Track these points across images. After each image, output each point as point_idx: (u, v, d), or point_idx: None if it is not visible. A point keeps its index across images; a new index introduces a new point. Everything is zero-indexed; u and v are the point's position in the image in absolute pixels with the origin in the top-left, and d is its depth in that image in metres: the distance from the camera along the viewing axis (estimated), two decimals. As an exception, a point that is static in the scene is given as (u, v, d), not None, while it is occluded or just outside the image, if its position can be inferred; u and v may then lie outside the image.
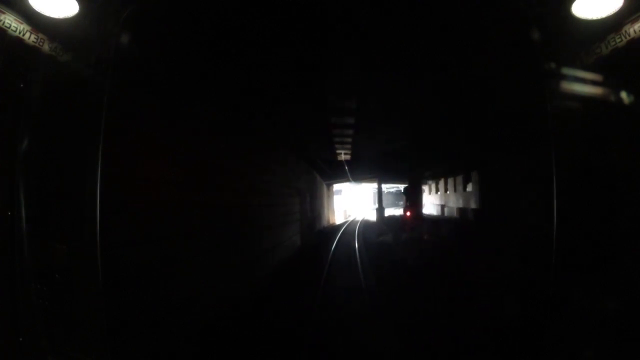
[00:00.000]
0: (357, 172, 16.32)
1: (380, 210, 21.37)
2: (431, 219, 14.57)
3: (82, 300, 2.63)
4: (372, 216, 22.79)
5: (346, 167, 13.77)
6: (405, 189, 13.66)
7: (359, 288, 6.36)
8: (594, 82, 2.63)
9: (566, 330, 2.72)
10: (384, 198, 23.61)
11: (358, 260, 8.15)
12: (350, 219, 23.97)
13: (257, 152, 7.53)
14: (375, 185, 22.43)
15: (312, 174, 13.97)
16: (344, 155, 11.42)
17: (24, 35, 2.29)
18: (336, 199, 24.69)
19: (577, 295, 2.68)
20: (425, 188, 18.85)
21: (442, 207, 15.19)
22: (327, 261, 8.29)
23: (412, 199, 12.09)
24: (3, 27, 2.20)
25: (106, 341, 2.67)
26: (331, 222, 19.75)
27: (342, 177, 17.96)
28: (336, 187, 23.86)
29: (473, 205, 11.21)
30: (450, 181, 14.76)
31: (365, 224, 18.67)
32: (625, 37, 2.28)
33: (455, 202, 14.16)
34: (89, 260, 2.61)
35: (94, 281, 2.62)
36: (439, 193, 16.07)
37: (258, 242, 6.77)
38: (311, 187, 13.58)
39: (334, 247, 9.80)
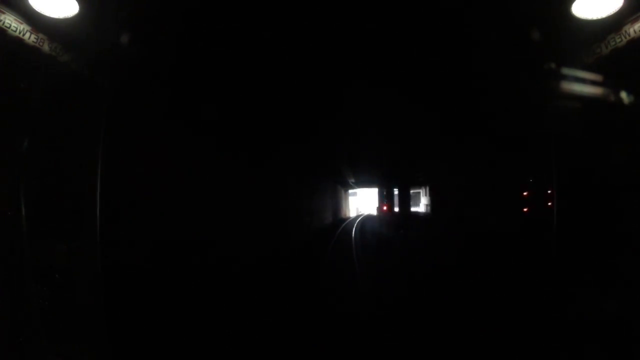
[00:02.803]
0: (361, 185, 29.90)
1: (380, 208, 30.04)
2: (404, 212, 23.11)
3: (82, 300, 2.63)
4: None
5: (353, 185, 27.62)
6: (380, 195, 24.53)
7: (350, 231, 15.59)
8: (594, 82, 2.63)
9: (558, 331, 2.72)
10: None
11: (354, 226, 18.13)
12: (360, 213, 34.65)
13: (315, 177, 16.34)
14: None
15: (336, 186, 25.13)
16: (349, 179, 22.85)
17: (24, 35, 2.29)
18: (351, 199, 35.26)
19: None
20: (421, 191, 26.44)
21: (426, 206, 22.29)
22: (342, 225, 19.13)
23: (387, 201, 22.29)
24: (3, 27, 2.20)
25: (106, 341, 2.67)
26: (346, 215, 30.80)
27: (352, 187, 31.44)
28: (352, 189, 34.13)
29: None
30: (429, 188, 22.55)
31: (368, 217, 28.25)
32: (625, 37, 2.28)
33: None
34: (89, 260, 2.61)
35: (94, 281, 2.62)
36: (426, 196, 22.79)
37: (316, 217, 15.97)
38: (335, 194, 24.89)
39: (346, 223, 20.98)
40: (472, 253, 8.24)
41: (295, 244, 9.92)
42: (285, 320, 4.43)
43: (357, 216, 29.27)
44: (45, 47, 2.41)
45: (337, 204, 25.32)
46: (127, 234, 3.40)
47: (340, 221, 22.12)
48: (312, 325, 4.26)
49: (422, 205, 25.19)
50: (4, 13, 2.19)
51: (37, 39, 2.36)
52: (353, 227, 16.97)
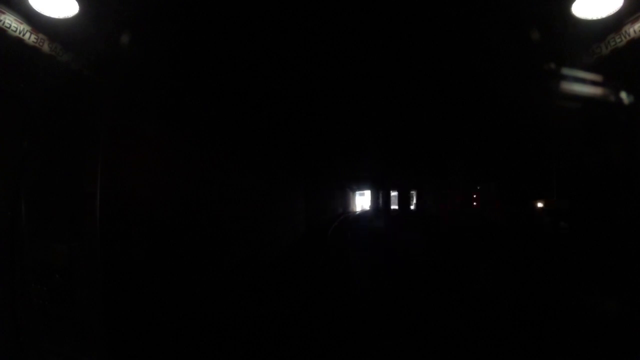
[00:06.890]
0: (361, 189, 41.26)
1: (372, 205, 40.52)
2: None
3: (82, 300, 2.63)
4: (377, 209, 44.86)
5: (355, 189, 38.96)
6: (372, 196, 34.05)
7: (349, 218, 27.53)
8: (594, 82, 2.63)
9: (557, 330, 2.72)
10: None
11: (353, 215, 31.33)
12: (363, 209, 45.32)
13: (331, 185, 26.32)
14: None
15: (345, 189, 35.26)
16: (353, 185, 32.73)
17: (24, 35, 2.29)
18: (358, 198, 46.79)
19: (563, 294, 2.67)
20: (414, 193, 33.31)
21: (416, 205, 28.93)
22: (345, 213, 31.40)
23: (379, 201, 30.52)
24: (3, 27, 2.20)
25: (106, 341, 2.67)
26: (352, 210, 41.51)
27: (357, 190, 43.00)
28: (359, 191, 45.33)
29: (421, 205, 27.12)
30: (415, 192, 30.15)
31: (366, 211, 39.15)
32: (625, 37, 2.28)
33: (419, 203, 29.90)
34: (89, 260, 2.61)
35: (94, 281, 2.62)
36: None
37: (331, 209, 25.96)
38: (344, 195, 35.40)
39: (350, 213, 33.13)
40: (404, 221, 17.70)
41: (322, 221, 19.50)
42: (325, 233, 15.08)
43: (359, 210, 41.23)
44: (45, 47, 2.41)
45: (346, 202, 37.53)
46: (127, 233, 3.40)
47: (346, 212, 34.23)
48: (333, 230, 16.36)
49: (413, 204, 32.56)
50: (4, 13, 2.19)
51: (37, 39, 2.36)
52: (351, 215, 28.96)
